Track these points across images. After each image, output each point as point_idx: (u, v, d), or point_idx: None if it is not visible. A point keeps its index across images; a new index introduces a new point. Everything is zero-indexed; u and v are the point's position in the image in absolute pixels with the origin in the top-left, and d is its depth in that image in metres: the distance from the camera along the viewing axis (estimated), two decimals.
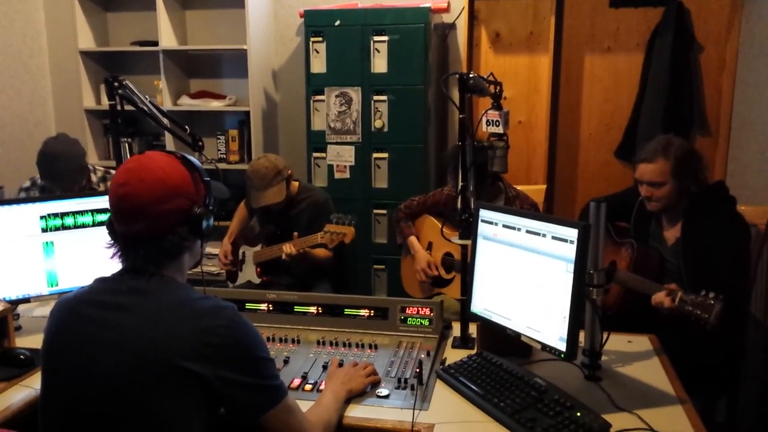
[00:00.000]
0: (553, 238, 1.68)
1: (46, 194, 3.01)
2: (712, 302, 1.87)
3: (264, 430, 1.38)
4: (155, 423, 1.26)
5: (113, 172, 3.22)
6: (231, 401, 1.32)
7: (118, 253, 1.38)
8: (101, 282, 1.38)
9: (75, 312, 1.34)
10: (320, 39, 3.69)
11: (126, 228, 1.33)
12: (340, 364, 1.83)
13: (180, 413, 1.27)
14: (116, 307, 1.31)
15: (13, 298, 2.17)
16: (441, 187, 3.15)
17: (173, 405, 1.27)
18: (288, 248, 2.94)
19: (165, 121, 2.44)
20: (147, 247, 1.34)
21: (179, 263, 1.41)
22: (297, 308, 2.17)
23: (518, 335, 1.79)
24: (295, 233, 2.97)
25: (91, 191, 3.11)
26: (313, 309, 2.16)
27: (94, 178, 3.17)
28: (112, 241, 1.38)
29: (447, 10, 3.87)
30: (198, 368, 1.26)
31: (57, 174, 2.93)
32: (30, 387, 1.79)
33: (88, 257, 2.24)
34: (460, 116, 2.03)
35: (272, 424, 1.37)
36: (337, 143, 3.76)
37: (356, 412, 1.64)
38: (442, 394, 1.74)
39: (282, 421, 1.38)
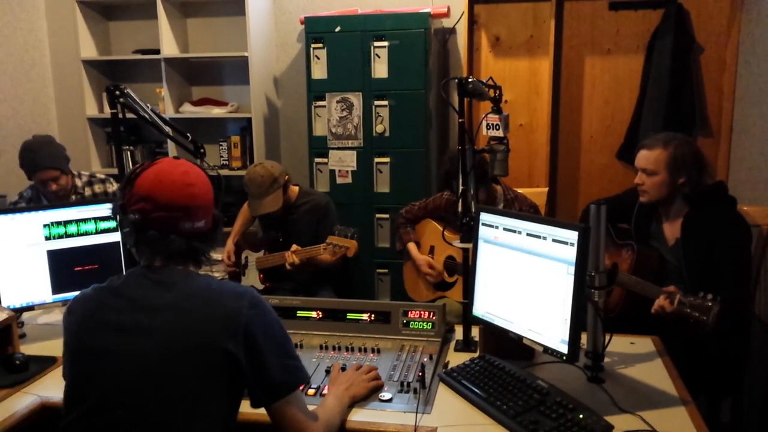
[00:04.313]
0: (554, 240, 1.68)
1: (47, 204, 3.03)
2: (710, 304, 1.86)
3: (272, 418, 1.42)
4: (199, 404, 1.31)
5: (98, 176, 3.26)
6: (257, 381, 1.38)
7: (146, 250, 1.42)
8: (120, 279, 1.42)
9: (102, 305, 1.38)
10: (321, 45, 3.70)
11: (191, 225, 1.41)
12: (343, 369, 1.84)
13: (220, 393, 1.34)
14: (146, 298, 1.37)
15: (17, 306, 2.18)
16: (441, 191, 3.16)
17: (215, 386, 1.33)
18: (291, 258, 2.96)
19: (167, 128, 2.46)
20: (204, 241, 1.44)
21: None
22: (300, 313, 2.18)
23: (520, 338, 1.79)
24: (294, 245, 2.98)
25: (81, 196, 3.14)
26: (315, 314, 2.17)
27: (79, 183, 3.19)
28: (138, 239, 1.41)
29: (447, 14, 3.88)
30: (233, 348, 1.32)
31: (44, 159, 2.95)
32: (33, 394, 1.80)
33: (92, 265, 2.25)
34: (460, 120, 2.04)
35: (282, 413, 1.41)
36: (338, 148, 3.77)
37: (359, 416, 1.64)
38: (444, 397, 1.74)
39: (291, 411, 1.41)
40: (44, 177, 2.97)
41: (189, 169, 1.44)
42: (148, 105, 2.39)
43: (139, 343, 1.32)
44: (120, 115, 2.29)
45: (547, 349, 1.71)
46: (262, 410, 1.43)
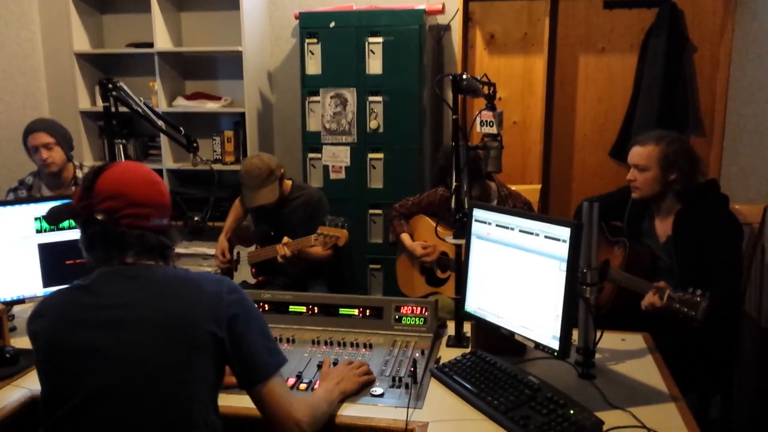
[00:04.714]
0: (546, 237, 1.68)
1: (39, 196, 3.02)
2: (699, 299, 1.87)
3: (257, 402, 1.44)
4: (189, 388, 1.33)
5: None
6: (241, 364, 1.40)
7: (115, 249, 1.41)
8: (87, 279, 1.41)
9: (77, 305, 1.36)
10: (315, 40, 3.69)
11: (160, 222, 1.45)
12: (335, 363, 1.84)
13: (208, 374, 1.36)
14: (123, 293, 1.36)
15: (8, 299, 2.17)
16: (435, 187, 3.16)
17: (205, 369, 1.35)
18: (282, 250, 2.95)
19: (159, 122, 2.45)
20: (168, 236, 1.46)
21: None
22: (292, 308, 2.18)
23: (512, 334, 1.79)
24: (285, 237, 2.97)
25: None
26: (307, 308, 2.16)
27: (80, 174, 3.17)
28: (106, 237, 1.40)
29: (442, 11, 3.88)
30: (218, 330, 1.35)
31: (39, 123, 2.97)
32: (23, 387, 1.80)
33: (83, 258, 2.24)
34: (454, 117, 2.04)
35: (266, 395, 1.42)
36: (332, 144, 3.76)
37: (351, 411, 1.64)
38: (436, 392, 1.75)
39: (275, 392, 1.43)
40: (35, 141, 2.97)
41: (149, 170, 1.49)
42: (141, 99, 2.38)
43: (125, 337, 1.32)
44: (113, 109, 2.27)
45: (538, 345, 1.71)
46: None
